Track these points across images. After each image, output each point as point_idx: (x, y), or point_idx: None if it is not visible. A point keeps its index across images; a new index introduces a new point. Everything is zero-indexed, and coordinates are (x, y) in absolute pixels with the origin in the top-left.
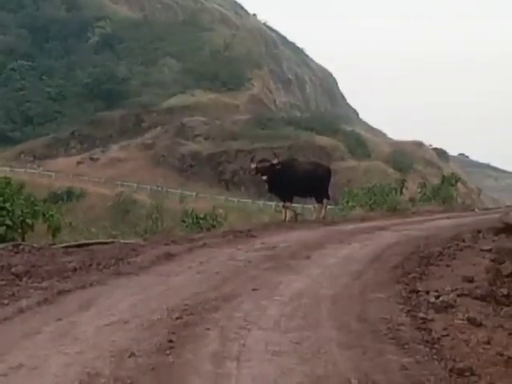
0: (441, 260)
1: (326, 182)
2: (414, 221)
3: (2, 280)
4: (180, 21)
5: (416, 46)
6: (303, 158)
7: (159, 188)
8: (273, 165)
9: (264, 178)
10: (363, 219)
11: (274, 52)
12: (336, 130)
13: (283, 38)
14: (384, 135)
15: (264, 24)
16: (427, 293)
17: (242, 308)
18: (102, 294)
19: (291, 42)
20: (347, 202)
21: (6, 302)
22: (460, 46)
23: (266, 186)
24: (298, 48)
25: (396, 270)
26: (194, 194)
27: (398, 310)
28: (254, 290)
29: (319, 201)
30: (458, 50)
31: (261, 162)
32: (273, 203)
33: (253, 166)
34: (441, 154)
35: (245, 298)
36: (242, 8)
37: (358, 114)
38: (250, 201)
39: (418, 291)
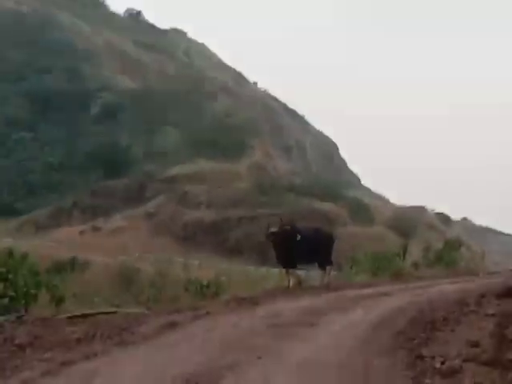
0: (446, 325)
1: (329, 248)
2: (418, 286)
3: (5, 352)
4: (181, 90)
5: (416, 108)
6: (305, 224)
7: (162, 257)
8: (272, 233)
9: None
10: (367, 285)
11: (275, 119)
12: (338, 195)
13: (283, 105)
14: (386, 200)
15: (264, 92)
16: (432, 358)
17: (248, 376)
18: (106, 365)
19: (291, 109)
20: (351, 268)
21: (8, 373)
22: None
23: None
24: (299, 115)
25: (400, 335)
26: (197, 262)
27: (402, 377)
28: (258, 358)
29: (323, 267)
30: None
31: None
32: (276, 270)
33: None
34: (444, 218)
35: (249, 366)
36: (242, 77)
37: (359, 180)
38: (253, 268)
39: (423, 357)
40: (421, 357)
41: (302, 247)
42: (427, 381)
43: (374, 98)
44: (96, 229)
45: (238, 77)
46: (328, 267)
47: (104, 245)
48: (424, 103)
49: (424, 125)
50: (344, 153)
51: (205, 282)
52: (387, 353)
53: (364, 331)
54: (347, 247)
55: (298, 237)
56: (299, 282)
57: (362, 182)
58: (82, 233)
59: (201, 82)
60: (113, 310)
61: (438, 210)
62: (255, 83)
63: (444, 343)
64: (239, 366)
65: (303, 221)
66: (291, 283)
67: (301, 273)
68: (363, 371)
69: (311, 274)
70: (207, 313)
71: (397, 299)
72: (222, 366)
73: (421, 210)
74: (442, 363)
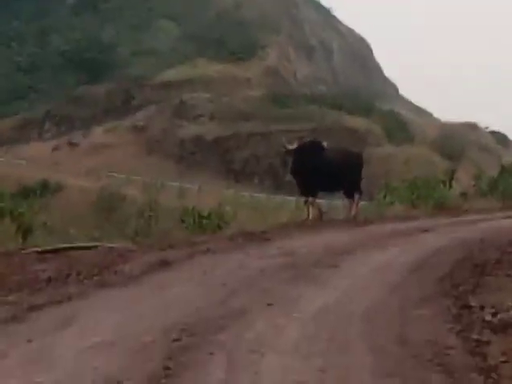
0: (499, 269)
1: (357, 173)
2: (467, 221)
3: None
4: None
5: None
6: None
7: (153, 180)
8: (288, 151)
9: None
10: (404, 218)
11: (294, 13)
12: (370, 109)
13: None
14: (430, 115)
15: None
16: (482, 309)
17: (254, 327)
18: (82, 310)
19: (315, 1)
20: (384, 198)
21: None
22: None
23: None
24: (324, 8)
25: (443, 281)
26: (196, 187)
27: (446, 331)
28: (268, 305)
29: (349, 196)
30: None
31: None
32: (293, 198)
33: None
34: (500, 138)
35: (257, 315)
36: None
37: (397, 90)
38: (264, 195)
39: (471, 307)
40: (468, 307)
41: (325, 171)
42: (475, 336)
43: None
44: (72, 145)
45: None
46: (356, 196)
47: (82, 164)
48: None
49: (484, 21)
50: (380, 56)
51: (205, 212)
52: (426, 302)
53: (398, 275)
54: (381, 172)
55: (325, 144)
56: (321, 214)
57: (401, 93)
58: (55, 149)
59: None
60: (92, 243)
61: (492, 128)
62: None
63: (496, 291)
64: (244, 314)
65: (328, 139)
66: (311, 215)
67: (323, 202)
68: (396, 324)
69: (336, 203)
70: (207, 249)
71: (440, 236)
72: (224, 314)
73: (472, 127)
74: (493, 315)
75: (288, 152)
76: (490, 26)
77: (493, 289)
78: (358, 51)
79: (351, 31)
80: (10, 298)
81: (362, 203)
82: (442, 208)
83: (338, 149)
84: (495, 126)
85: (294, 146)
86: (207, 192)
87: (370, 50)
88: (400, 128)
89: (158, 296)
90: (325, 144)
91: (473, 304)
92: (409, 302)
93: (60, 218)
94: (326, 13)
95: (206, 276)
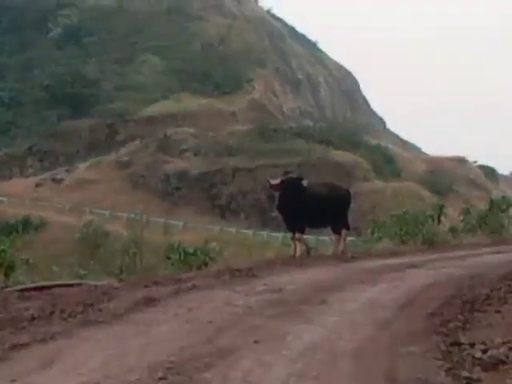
0: (489, 305)
1: (344, 209)
2: (456, 256)
3: None
4: (163, 8)
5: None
6: (316, 177)
7: (138, 216)
8: (272, 186)
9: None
10: (392, 254)
11: (281, 46)
12: (358, 143)
13: (291, 30)
14: (418, 149)
15: (267, 12)
16: (472, 346)
17: (241, 365)
18: (66, 349)
19: (301, 34)
20: (372, 233)
21: None
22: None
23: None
24: (310, 41)
25: (433, 317)
26: (181, 223)
27: (435, 368)
28: (255, 342)
29: (337, 231)
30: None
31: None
32: (280, 234)
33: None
34: (489, 172)
35: (244, 352)
36: None
37: (384, 124)
38: (251, 232)
39: (461, 344)
40: (457, 344)
41: (312, 206)
42: (465, 373)
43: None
44: (56, 181)
45: None
46: (343, 231)
47: (66, 200)
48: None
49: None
50: (367, 90)
51: (190, 249)
52: (416, 339)
53: (387, 311)
54: (369, 206)
55: (305, 182)
56: (308, 250)
57: (389, 127)
58: (38, 185)
59: (188, 0)
60: (75, 281)
61: (481, 163)
62: (256, 0)
63: (486, 327)
64: (231, 352)
65: (315, 174)
66: (298, 251)
67: (310, 238)
68: (385, 361)
69: (323, 239)
70: (193, 286)
71: (429, 272)
72: (210, 352)
73: (460, 161)
74: (484, 352)
75: (272, 187)
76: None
77: (483, 325)
78: (345, 85)
79: (338, 65)
80: None
81: (349, 239)
82: (430, 243)
83: (324, 184)
84: (483, 157)
85: (278, 181)
86: (193, 228)
87: (357, 84)
88: (387, 162)
89: (143, 334)
90: (305, 182)
91: (463, 341)
92: (398, 339)
93: (43, 254)
94: (313, 46)
95: (191, 313)
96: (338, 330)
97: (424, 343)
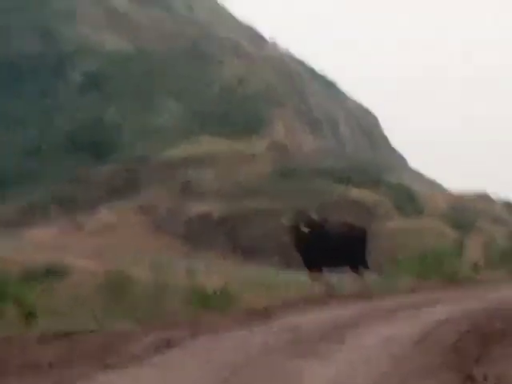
0: (504, 339)
1: (361, 247)
2: (475, 292)
3: None
4: (182, 52)
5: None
6: (336, 217)
7: (160, 260)
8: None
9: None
10: (412, 291)
11: (299, 86)
12: (379, 181)
13: (310, 70)
14: (439, 186)
15: (286, 53)
16: (485, 379)
17: None
18: None
19: (320, 75)
20: (393, 271)
21: None
22: None
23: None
24: (329, 82)
25: (447, 352)
26: (203, 265)
27: None
28: (271, 381)
29: (355, 270)
30: None
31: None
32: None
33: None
34: None
35: None
36: (257, 34)
37: (405, 161)
38: (272, 272)
39: (474, 378)
40: (471, 378)
41: (329, 246)
42: None
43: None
44: (78, 227)
45: (252, 34)
46: (362, 270)
47: (88, 246)
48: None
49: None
50: (386, 128)
51: (210, 291)
52: (430, 374)
53: (403, 348)
54: (391, 245)
55: (305, 229)
56: (328, 289)
57: (410, 164)
58: (60, 232)
59: (206, 42)
60: (95, 326)
61: (505, 199)
62: (274, 41)
63: (501, 361)
64: None
65: (336, 213)
66: (317, 290)
67: (331, 277)
68: None
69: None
70: (211, 328)
71: (447, 309)
72: None
73: (483, 197)
74: None
75: (294, 228)
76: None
77: (497, 359)
78: (365, 123)
79: (356, 103)
80: (11, 383)
81: (371, 277)
82: (451, 280)
83: (341, 223)
84: (507, 192)
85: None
86: (214, 270)
87: (377, 122)
88: (409, 200)
89: (160, 376)
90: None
91: (476, 375)
92: (412, 375)
93: (65, 300)
94: (331, 86)
95: (209, 355)
96: (354, 367)
97: (436, 378)
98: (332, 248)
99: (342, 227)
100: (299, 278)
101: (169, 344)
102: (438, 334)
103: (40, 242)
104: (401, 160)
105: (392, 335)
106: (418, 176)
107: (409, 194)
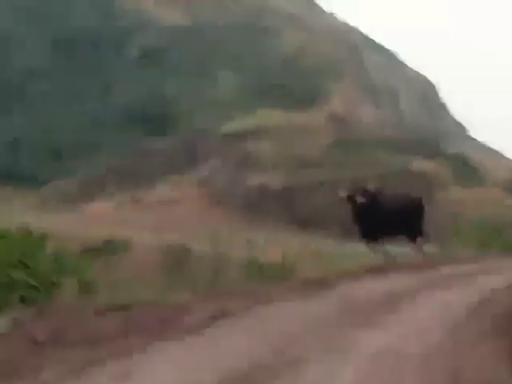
0: None
1: (417, 218)
2: None
3: (22, 350)
4: (240, 26)
5: None
6: (394, 188)
7: (219, 232)
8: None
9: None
10: (471, 261)
11: (359, 58)
12: (438, 151)
13: (369, 41)
14: (501, 156)
15: (344, 24)
16: None
17: (310, 374)
18: (140, 364)
19: (379, 45)
20: (451, 241)
21: (25, 374)
22: None
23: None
24: (389, 52)
25: (503, 318)
26: (262, 238)
27: (502, 371)
28: (325, 351)
29: (413, 240)
30: None
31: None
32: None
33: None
34: None
35: (314, 361)
36: (315, 5)
37: (465, 130)
38: (332, 244)
39: None
40: None
41: (386, 217)
42: None
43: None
44: (136, 201)
45: (311, 5)
46: (419, 239)
47: (147, 221)
48: None
49: None
50: (446, 96)
51: (270, 263)
52: (485, 341)
53: (457, 316)
54: (450, 215)
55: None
56: (386, 259)
57: (470, 134)
58: (119, 206)
59: (265, 15)
60: (153, 299)
61: None
62: (332, 13)
63: None
64: (302, 361)
65: (396, 184)
66: (376, 260)
67: (390, 248)
68: (452, 363)
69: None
70: (267, 299)
71: (505, 277)
72: (282, 362)
73: None
74: None
75: (350, 199)
76: None
77: None
78: (424, 93)
79: (416, 73)
80: (69, 353)
81: (430, 247)
82: (511, 250)
83: (398, 194)
84: None
85: (345, 195)
86: (273, 242)
87: (436, 91)
88: (469, 170)
89: (216, 346)
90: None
91: None
92: (466, 342)
93: (125, 274)
94: (392, 57)
95: (264, 325)
96: (408, 334)
97: (492, 345)
98: (389, 218)
99: (398, 198)
100: (357, 249)
101: (224, 315)
102: (493, 303)
103: (99, 216)
104: (460, 129)
105: (447, 304)
106: (478, 145)
107: (468, 164)
